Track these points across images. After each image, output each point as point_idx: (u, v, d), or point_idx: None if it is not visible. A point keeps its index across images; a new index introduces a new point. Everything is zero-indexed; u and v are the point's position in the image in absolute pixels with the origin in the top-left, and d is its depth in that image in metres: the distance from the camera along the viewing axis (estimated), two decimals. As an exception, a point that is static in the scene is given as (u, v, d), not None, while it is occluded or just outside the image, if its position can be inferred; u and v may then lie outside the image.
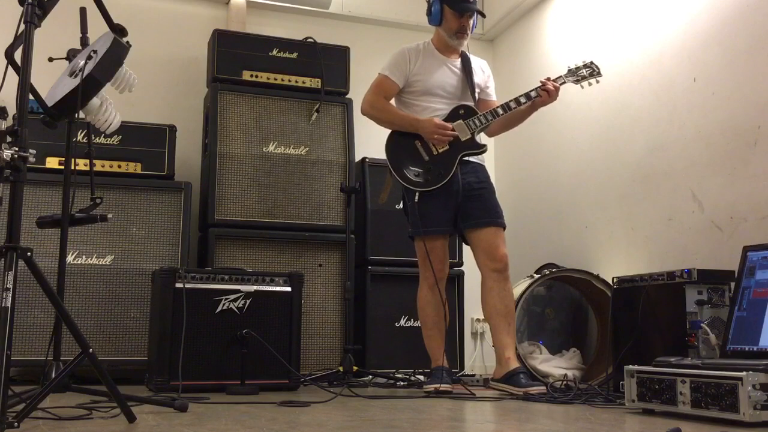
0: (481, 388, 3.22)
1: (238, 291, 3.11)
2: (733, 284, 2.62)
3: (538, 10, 4.62)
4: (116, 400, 1.94)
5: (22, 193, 1.82)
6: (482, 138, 3.28)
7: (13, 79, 1.92)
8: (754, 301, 2.41)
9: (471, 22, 3.24)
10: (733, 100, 3.04)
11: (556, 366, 3.46)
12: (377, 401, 2.67)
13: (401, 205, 3.52)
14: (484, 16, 3.47)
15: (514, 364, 3.04)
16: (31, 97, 1.93)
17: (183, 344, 2.90)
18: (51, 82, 2.50)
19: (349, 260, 3.74)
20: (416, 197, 3.10)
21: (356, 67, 4.17)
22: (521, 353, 3.38)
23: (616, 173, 3.75)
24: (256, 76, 3.95)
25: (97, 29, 2.37)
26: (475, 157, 3.21)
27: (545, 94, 3.14)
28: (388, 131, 3.25)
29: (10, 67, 2.08)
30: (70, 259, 3.40)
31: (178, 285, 3.01)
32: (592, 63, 3.25)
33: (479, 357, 4.68)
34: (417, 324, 3.76)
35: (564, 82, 3.21)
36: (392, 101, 3.30)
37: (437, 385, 2.96)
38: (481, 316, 4.52)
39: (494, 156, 4.87)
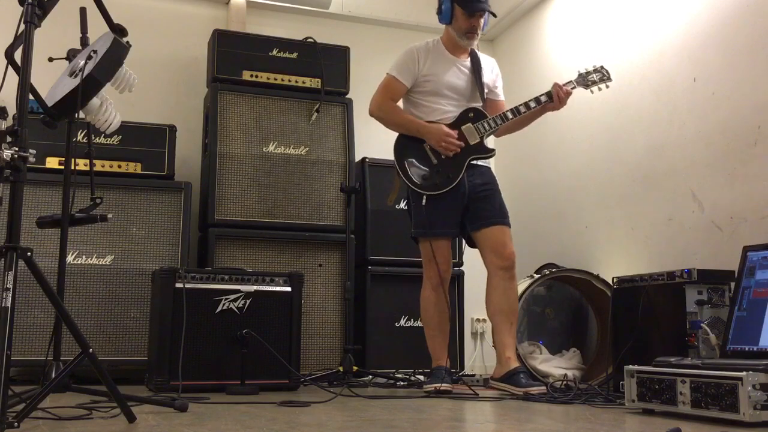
0: (481, 387, 3.22)
1: (238, 291, 3.11)
2: (733, 284, 2.62)
3: (538, 10, 4.62)
4: (116, 400, 1.94)
5: (22, 193, 1.82)
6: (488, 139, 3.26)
7: (13, 79, 1.92)
8: (754, 301, 2.41)
9: (482, 22, 3.17)
10: (733, 100, 3.04)
11: (556, 366, 3.46)
12: (377, 401, 2.67)
13: (403, 204, 3.52)
14: (495, 15, 3.33)
15: (515, 364, 3.04)
16: (31, 97, 1.93)
17: (183, 344, 2.90)
18: (51, 82, 2.49)
19: (349, 260, 3.74)
20: (424, 200, 3.08)
21: (356, 67, 4.17)
22: (521, 353, 3.38)
23: (616, 173, 3.75)
24: (256, 76, 3.95)
25: (97, 29, 2.37)
26: (483, 160, 3.20)
27: (556, 99, 3.12)
28: (389, 131, 3.24)
29: (10, 67, 2.08)
30: (70, 259, 3.40)
31: (178, 285, 3.01)
32: (602, 68, 3.20)
33: (479, 357, 4.68)
34: (417, 324, 3.77)
35: (575, 87, 3.18)
36: (400, 102, 3.27)
37: (437, 385, 2.96)
38: (481, 316, 4.53)
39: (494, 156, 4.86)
